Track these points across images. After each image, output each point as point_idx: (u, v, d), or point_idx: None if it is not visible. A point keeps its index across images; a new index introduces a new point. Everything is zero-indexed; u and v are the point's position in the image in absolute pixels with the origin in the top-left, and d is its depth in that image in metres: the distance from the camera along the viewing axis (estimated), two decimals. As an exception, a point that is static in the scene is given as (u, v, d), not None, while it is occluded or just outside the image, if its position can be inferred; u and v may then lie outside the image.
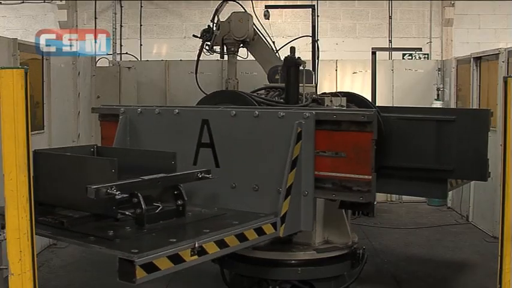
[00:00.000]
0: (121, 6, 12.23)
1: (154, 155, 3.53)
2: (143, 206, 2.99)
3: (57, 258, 6.57)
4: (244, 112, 3.90)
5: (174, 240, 2.79)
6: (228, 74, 7.69)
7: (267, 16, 8.17)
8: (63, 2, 12.16)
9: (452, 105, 9.02)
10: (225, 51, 7.36)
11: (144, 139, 4.15)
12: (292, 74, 4.61)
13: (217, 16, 7.26)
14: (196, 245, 2.82)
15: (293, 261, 4.22)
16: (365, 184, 3.50)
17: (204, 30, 7.35)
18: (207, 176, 3.41)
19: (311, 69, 7.80)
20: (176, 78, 9.69)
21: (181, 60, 10.14)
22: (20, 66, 3.29)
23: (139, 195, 2.99)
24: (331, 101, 5.17)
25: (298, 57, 4.75)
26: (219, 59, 8.11)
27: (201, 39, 7.35)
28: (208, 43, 7.24)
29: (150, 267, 2.61)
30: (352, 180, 3.54)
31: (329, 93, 5.57)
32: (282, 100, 4.86)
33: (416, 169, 4.24)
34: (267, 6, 8.57)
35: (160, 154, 3.50)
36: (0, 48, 5.78)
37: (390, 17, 12.22)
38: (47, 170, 3.42)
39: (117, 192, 2.88)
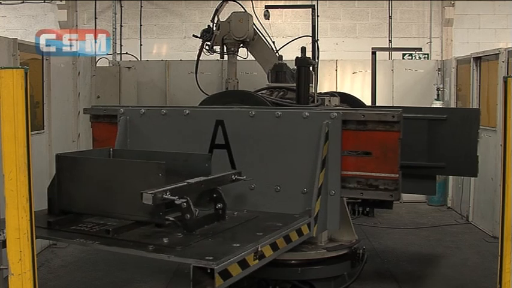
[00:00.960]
0: (121, 6, 12.24)
1: (185, 157, 3.38)
2: (193, 211, 2.86)
3: (57, 258, 6.56)
4: (265, 112, 3.84)
5: (238, 245, 2.71)
6: (228, 74, 7.68)
7: (267, 16, 8.17)
8: (63, 2, 12.16)
9: (452, 105, 9.02)
10: (225, 51, 7.36)
11: (148, 141, 4.02)
12: (303, 74, 4.61)
13: (217, 16, 7.26)
14: (259, 249, 2.77)
15: (293, 261, 4.21)
16: (392, 182, 3.57)
17: (204, 30, 7.35)
18: (241, 178, 3.34)
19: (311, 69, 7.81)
20: (176, 78, 9.69)
21: (181, 60, 10.14)
22: (20, 66, 3.28)
23: (188, 199, 2.86)
24: (329, 100, 5.21)
25: (308, 57, 4.74)
26: (219, 59, 8.11)
27: (201, 39, 7.35)
28: (208, 43, 7.24)
29: (225, 274, 2.51)
30: (379, 179, 3.59)
31: (324, 93, 5.61)
32: (284, 100, 4.85)
33: (409, 167, 4.30)
34: (267, 6, 8.57)
35: (193, 156, 3.38)
36: (0, 48, 5.78)
37: (390, 17, 12.23)
38: (75, 175, 3.22)
39: (175, 197, 2.77)
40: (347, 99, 5.41)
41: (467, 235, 7.67)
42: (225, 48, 7.31)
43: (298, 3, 12.10)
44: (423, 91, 9.71)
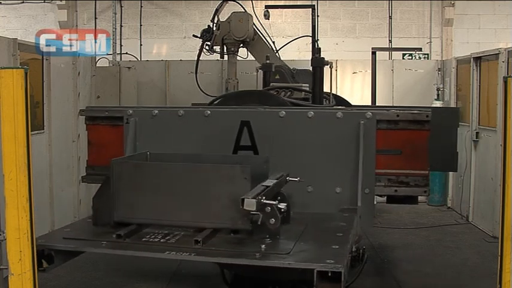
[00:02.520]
0: (121, 6, 12.25)
1: (242, 159, 3.25)
2: (279, 215, 2.75)
3: (57, 258, 6.56)
4: (296, 113, 3.81)
5: (337, 247, 2.70)
6: (228, 74, 7.68)
7: (267, 16, 8.18)
8: (63, 2, 12.18)
9: (452, 105, 9.03)
10: (225, 51, 7.36)
11: (162, 144, 3.84)
12: (318, 74, 4.62)
13: (217, 16, 7.26)
14: (354, 249, 2.77)
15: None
16: (422, 179, 3.69)
17: (204, 30, 7.36)
18: (294, 179, 3.31)
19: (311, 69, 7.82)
20: (176, 78, 9.69)
21: (181, 60, 10.15)
22: (20, 66, 3.27)
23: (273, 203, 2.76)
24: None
25: (322, 58, 4.75)
26: (219, 59, 8.12)
27: (201, 39, 7.35)
28: (208, 43, 7.24)
29: (344, 276, 2.51)
30: (410, 176, 3.71)
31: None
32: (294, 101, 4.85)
33: None
34: (267, 6, 8.59)
35: (251, 159, 3.28)
36: (0, 48, 5.78)
37: (390, 17, 12.23)
38: (138, 183, 2.98)
39: (276, 202, 2.70)
40: (334, 99, 5.49)
41: (467, 235, 7.66)
42: (225, 48, 7.31)
43: (298, 3, 12.10)
44: (423, 91, 9.71)
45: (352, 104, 5.80)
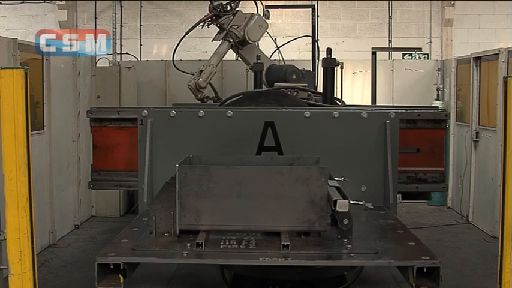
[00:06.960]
0: (121, 6, 12.25)
1: (291, 160, 3.22)
2: (351, 215, 2.75)
3: (57, 258, 6.56)
4: (322, 113, 3.84)
5: (414, 243, 2.76)
6: (210, 59, 7.06)
7: (267, 16, 8.16)
8: (63, 2, 12.18)
9: (452, 105, 9.04)
10: (221, 36, 7.02)
11: (179, 147, 3.73)
12: (329, 74, 4.66)
13: (237, 4, 6.96)
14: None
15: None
16: (440, 175, 3.89)
17: (221, 4, 6.86)
18: (339, 179, 3.30)
19: (311, 69, 7.82)
20: (176, 78, 9.66)
21: (181, 60, 10.12)
22: (20, 66, 3.27)
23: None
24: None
25: (334, 58, 4.77)
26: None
27: (204, 23, 6.90)
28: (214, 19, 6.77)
29: None
30: (428, 173, 3.89)
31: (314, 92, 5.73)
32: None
33: None
34: (267, 6, 8.55)
35: (300, 160, 3.26)
36: (0, 48, 5.78)
37: (390, 17, 12.23)
38: (207, 188, 2.84)
39: (362, 201, 2.75)
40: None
41: (467, 235, 7.66)
42: (223, 34, 6.91)
43: (298, 3, 12.10)
44: (423, 91, 9.70)
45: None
